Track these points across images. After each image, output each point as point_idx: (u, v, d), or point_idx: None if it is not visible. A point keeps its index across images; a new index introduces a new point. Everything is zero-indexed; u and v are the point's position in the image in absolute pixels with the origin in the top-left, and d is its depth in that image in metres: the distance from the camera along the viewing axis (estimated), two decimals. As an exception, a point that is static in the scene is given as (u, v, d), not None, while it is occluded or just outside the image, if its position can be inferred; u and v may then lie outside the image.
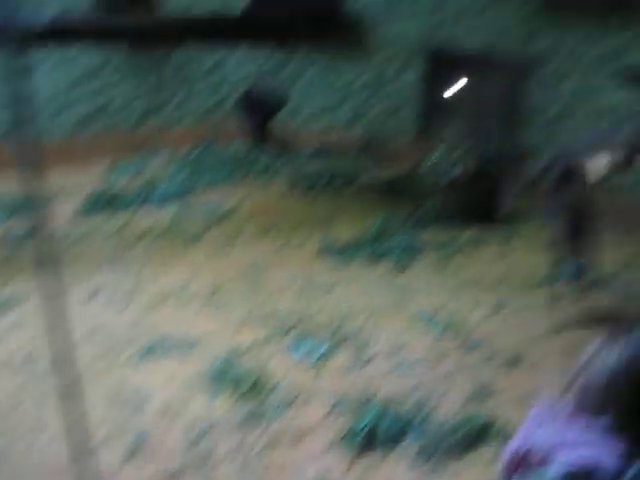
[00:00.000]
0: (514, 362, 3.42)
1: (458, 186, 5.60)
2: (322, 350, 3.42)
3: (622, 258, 4.54)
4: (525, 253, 4.82)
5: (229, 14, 6.78)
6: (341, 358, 3.39)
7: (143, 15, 6.70)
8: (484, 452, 2.73)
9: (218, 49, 7.72)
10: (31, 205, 1.90)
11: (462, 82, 7.14)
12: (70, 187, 5.96)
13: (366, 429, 2.81)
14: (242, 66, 8.06)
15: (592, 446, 1.02)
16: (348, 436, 2.80)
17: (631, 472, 0.99)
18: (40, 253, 1.83)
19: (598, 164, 4.09)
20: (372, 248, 4.78)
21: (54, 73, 7.21)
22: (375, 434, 2.79)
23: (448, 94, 7.24)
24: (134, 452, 2.72)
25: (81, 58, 7.34)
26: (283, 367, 3.29)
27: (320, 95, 8.00)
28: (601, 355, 1.11)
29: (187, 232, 5.09)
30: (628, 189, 5.31)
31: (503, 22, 6.52)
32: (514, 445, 1.10)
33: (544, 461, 1.05)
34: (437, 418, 2.93)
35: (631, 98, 5.39)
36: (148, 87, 7.57)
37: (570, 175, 4.11)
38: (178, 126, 7.88)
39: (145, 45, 6.47)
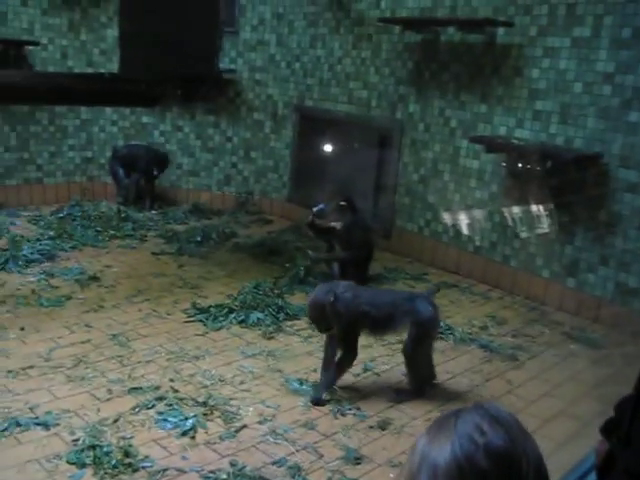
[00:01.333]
0: (383, 426, 3.50)
1: (327, 248, 5.74)
2: (191, 422, 3.35)
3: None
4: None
5: (99, 73, 6.73)
6: (210, 429, 3.34)
7: (10, 70, 6.52)
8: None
9: (87, 107, 7.62)
10: None
11: (332, 144, 7.38)
12: None
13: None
14: (112, 124, 7.97)
15: None
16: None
17: None
18: None
19: None
20: (243, 313, 4.77)
21: None
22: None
23: (319, 155, 7.45)
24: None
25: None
26: (150, 441, 3.20)
27: (193, 154, 8.02)
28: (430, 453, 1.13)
29: (51, 298, 4.89)
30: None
31: (373, 87, 6.81)
32: None
33: None
34: (308, 487, 2.94)
35: (489, 161, 5.77)
36: (11, 144, 7.31)
37: None
38: (43, 184, 7.64)
39: (9, 101, 6.25)
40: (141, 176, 7.59)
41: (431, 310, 3.86)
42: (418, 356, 3.85)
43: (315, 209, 5.62)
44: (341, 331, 3.74)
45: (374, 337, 4.18)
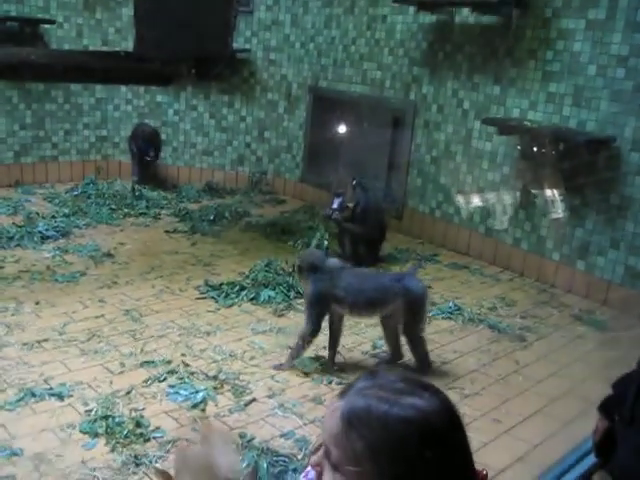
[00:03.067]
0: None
1: (340, 228, 5.77)
2: (201, 395, 3.42)
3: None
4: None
5: (114, 51, 6.76)
6: (220, 402, 3.41)
7: (25, 48, 6.56)
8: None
9: (102, 85, 7.66)
10: None
11: (345, 125, 7.40)
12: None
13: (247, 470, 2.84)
14: (127, 103, 8.02)
15: None
16: None
17: None
18: None
19: None
20: (254, 291, 4.83)
21: None
22: (256, 474, 2.83)
23: (332, 135, 7.48)
24: (2, 507, 2.64)
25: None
26: (161, 413, 3.27)
27: (207, 134, 8.06)
28: None
29: (65, 274, 4.98)
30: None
31: (387, 68, 6.82)
32: None
33: None
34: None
35: (501, 143, 5.78)
36: (27, 122, 7.38)
37: None
38: (58, 162, 7.71)
39: (24, 78, 6.31)
40: (154, 155, 7.61)
41: (422, 286, 3.91)
42: (419, 332, 3.89)
43: (335, 205, 5.61)
44: (307, 303, 3.82)
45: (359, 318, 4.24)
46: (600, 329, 4.82)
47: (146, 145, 7.49)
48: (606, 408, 2.18)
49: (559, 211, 5.44)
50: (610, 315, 5.02)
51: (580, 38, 5.21)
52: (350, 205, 5.63)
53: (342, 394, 1.19)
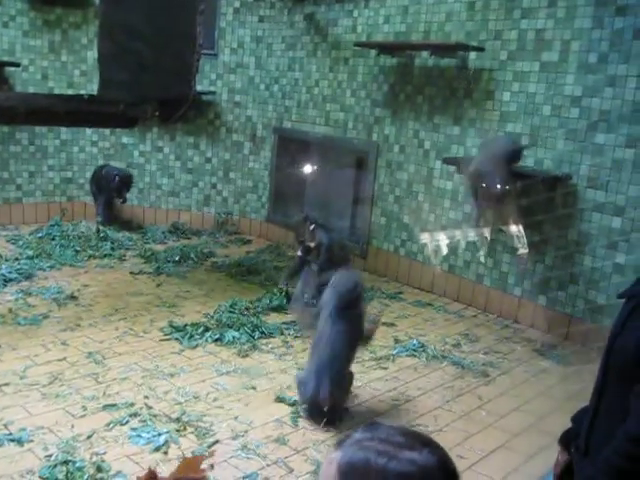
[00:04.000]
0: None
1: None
2: (164, 437, 3.40)
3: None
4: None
5: (78, 94, 6.79)
6: (183, 444, 3.38)
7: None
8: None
9: (67, 128, 7.67)
10: None
11: (310, 166, 7.48)
12: None
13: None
14: (92, 145, 8.03)
15: None
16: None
17: None
18: None
19: None
20: (218, 332, 4.83)
21: None
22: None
23: (297, 175, 7.55)
24: None
25: None
26: (123, 456, 3.23)
27: (173, 175, 8.09)
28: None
29: (28, 316, 4.92)
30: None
31: (350, 109, 6.94)
32: None
33: None
34: (277, 501, 2.99)
35: (462, 182, 5.89)
36: (-9, 165, 7.35)
37: None
38: (22, 204, 7.67)
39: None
40: (108, 197, 7.61)
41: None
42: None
43: (299, 252, 5.65)
44: None
45: None
46: (562, 363, 4.88)
47: (120, 187, 7.50)
48: (566, 441, 2.21)
49: (519, 247, 5.54)
50: (572, 349, 5.10)
51: (535, 80, 5.38)
52: (312, 245, 5.66)
53: (339, 444, 1.17)
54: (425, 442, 1.16)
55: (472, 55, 5.80)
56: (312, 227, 5.68)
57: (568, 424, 2.31)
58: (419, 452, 1.11)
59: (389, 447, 1.11)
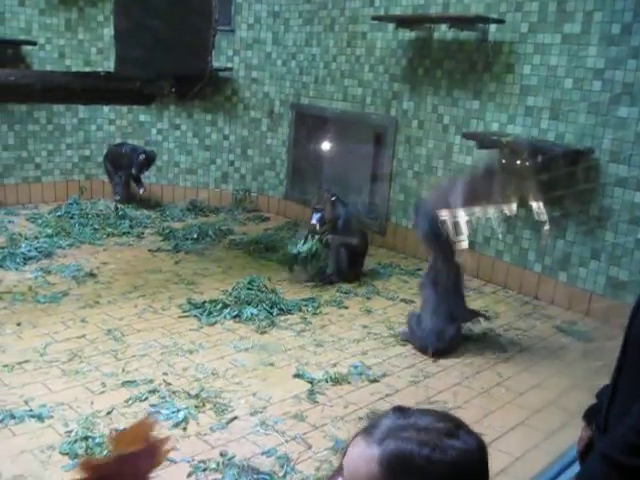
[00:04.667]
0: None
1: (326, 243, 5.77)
2: (182, 413, 3.41)
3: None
4: (389, 308, 5.05)
5: (95, 72, 6.78)
6: (202, 420, 3.40)
7: (5, 70, 6.57)
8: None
9: (85, 106, 7.67)
10: None
11: (327, 142, 7.43)
12: None
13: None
14: (110, 123, 8.03)
15: None
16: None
17: None
18: None
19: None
20: (237, 308, 4.83)
21: None
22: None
23: (315, 152, 7.51)
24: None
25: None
26: (142, 432, 3.25)
27: (191, 152, 8.08)
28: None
29: (47, 294, 4.95)
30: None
31: (368, 85, 6.86)
32: None
33: None
34: (298, 474, 2.99)
35: (482, 157, 5.81)
36: (9, 143, 7.37)
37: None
38: (41, 183, 7.70)
39: (5, 99, 6.31)
40: (137, 174, 7.60)
41: None
42: None
43: (314, 220, 5.63)
44: None
45: None
46: (583, 340, 4.84)
47: (143, 164, 7.51)
48: (589, 417, 2.19)
49: (540, 223, 5.47)
50: (592, 326, 5.05)
51: (556, 52, 5.27)
52: (329, 220, 5.65)
53: (369, 434, 1.13)
54: (457, 424, 1.14)
55: (492, 28, 5.70)
56: (333, 198, 5.67)
57: (588, 401, 2.28)
58: (458, 437, 1.10)
59: (428, 436, 1.09)
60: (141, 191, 7.67)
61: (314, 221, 5.60)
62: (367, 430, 1.14)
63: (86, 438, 3.14)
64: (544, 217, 5.35)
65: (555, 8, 5.25)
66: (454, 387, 4.00)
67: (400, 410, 1.17)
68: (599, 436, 1.99)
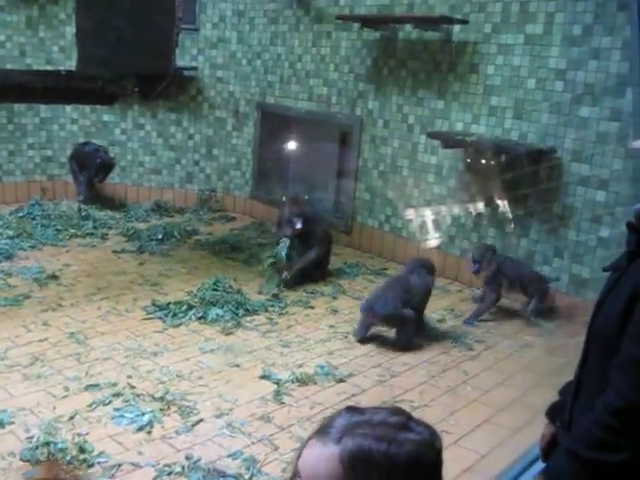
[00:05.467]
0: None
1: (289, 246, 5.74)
2: (147, 417, 3.37)
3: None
4: (355, 308, 5.05)
5: (55, 70, 6.67)
6: (167, 424, 3.36)
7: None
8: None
9: (47, 105, 7.55)
10: None
11: (293, 141, 7.41)
12: None
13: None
14: (72, 122, 7.91)
15: None
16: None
17: None
18: None
19: None
20: (202, 309, 4.79)
21: None
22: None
23: (281, 152, 7.48)
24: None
25: None
26: (106, 437, 3.20)
27: (155, 152, 7.99)
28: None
29: (8, 297, 4.86)
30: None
31: (333, 84, 6.86)
32: None
33: None
34: (265, 476, 2.98)
35: (447, 156, 5.85)
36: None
37: None
38: (2, 183, 7.56)
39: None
40: (100, 174, 7.47)
41: None
42: None
43: (299, 225, 5.56)
44: None
45: None
46: (546, 337, 4.89)
47: (100, 170, 7.37)
48: (552, 414, 2.20)
49: (504, 221, 5.53)
50: (556, 323, 5.10)
51: (519, 53, 5.32)
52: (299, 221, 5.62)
53: (324, 434, 1.13)
54: (408, 417, 1.17)
55: (456, 28, 5.74)
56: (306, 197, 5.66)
57: (552, 398, 2.30)
58: (411, 429, 1.13)
59: (384, 430, 1.11)
60: (80, 197, 7.53)
61: (299, 225, 5.55)
62: (321, 431, 1.15)
63: (48, 444, 3.07)
64: (508, 215, 5.41)
65: (518, 9, 5.30)
66: (420, 386, 4.01)
67: (352, 409, 1.19)
68: (563, 433, 2.00)
